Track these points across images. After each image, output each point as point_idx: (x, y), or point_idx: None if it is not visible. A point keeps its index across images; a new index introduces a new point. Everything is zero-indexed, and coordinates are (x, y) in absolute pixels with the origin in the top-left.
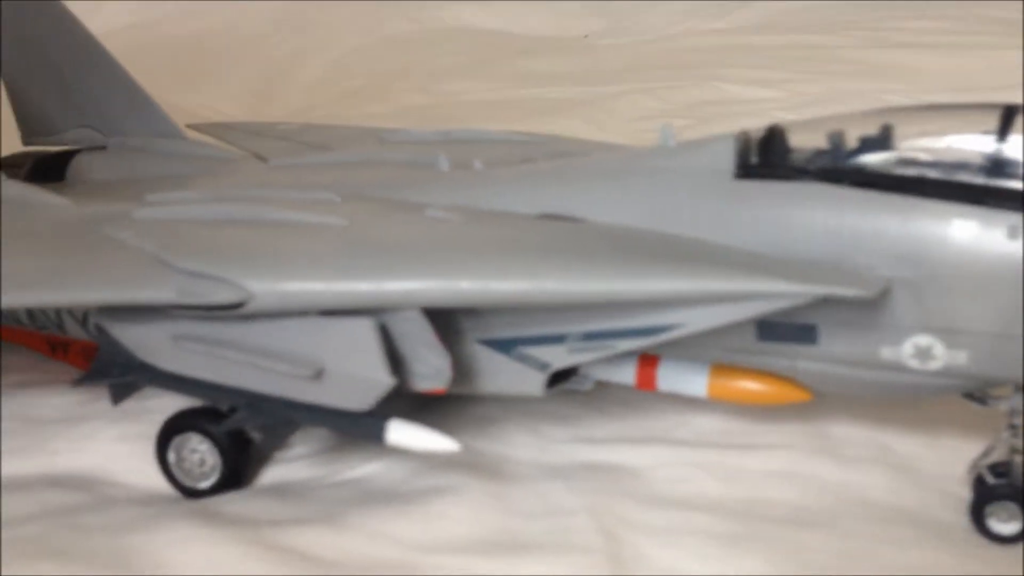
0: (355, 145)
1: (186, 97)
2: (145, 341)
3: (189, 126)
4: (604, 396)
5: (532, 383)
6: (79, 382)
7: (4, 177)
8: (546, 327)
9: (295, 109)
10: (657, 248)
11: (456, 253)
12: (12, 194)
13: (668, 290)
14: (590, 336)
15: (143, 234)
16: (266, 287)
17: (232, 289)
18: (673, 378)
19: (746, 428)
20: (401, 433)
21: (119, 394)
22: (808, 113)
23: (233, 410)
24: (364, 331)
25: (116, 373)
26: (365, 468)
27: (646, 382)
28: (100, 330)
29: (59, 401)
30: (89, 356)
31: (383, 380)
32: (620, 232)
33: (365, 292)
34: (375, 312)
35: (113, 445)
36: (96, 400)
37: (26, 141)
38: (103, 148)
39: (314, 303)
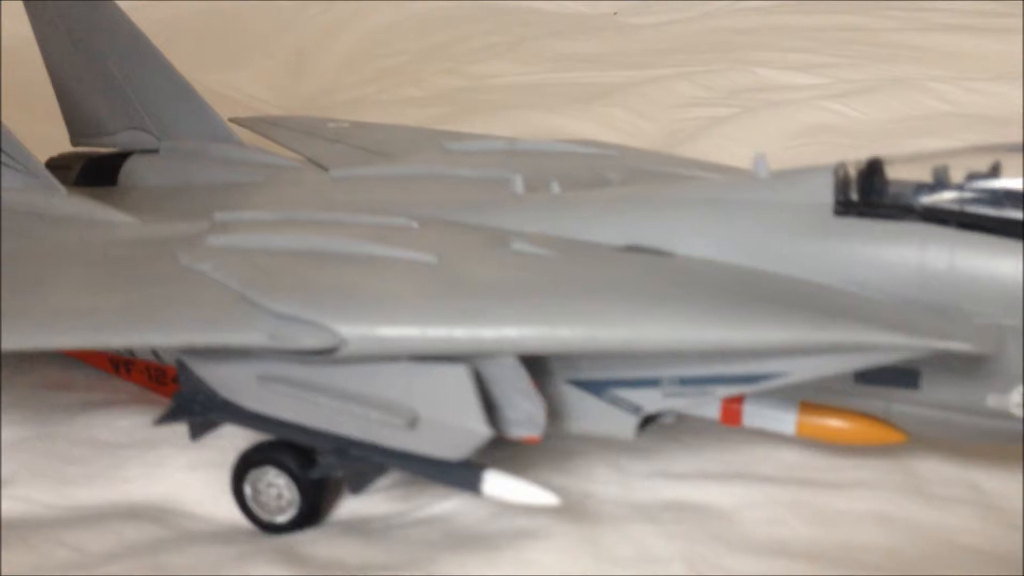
0: (415, 152)
1: (213, 77)
2: (229, 380)
3: (232, 120)
4: (680, 426)
5: (623, 426)
6: (162, 421)
7: (65, 190)
8: (640, 370)
9: (326, 89)
10: (759, 290)
11: (553, 297)
12: (76, 210)
13: (778, 340)
14: (687, 381)
15: (224, 267)
16: (359, 332)
17: (325, 334)
18: (760, 415)
19: (829, 463)
20: (498, 485)
21: (198, 430)
22: (856, 103)
23: (313, 448)
24: (459, 379)
25: (198, 410)
26: (444, 504)
27: (731, 418)
28: (181, 366)
29: (125, 423)
30: (152, 376)
31: (480, 431)
32: (716, 270)
33: (462, 339)
34: (469, 358)
35: (185, 474)
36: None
37: (74, 141)
38: (155, 151)
39: (408, 349)
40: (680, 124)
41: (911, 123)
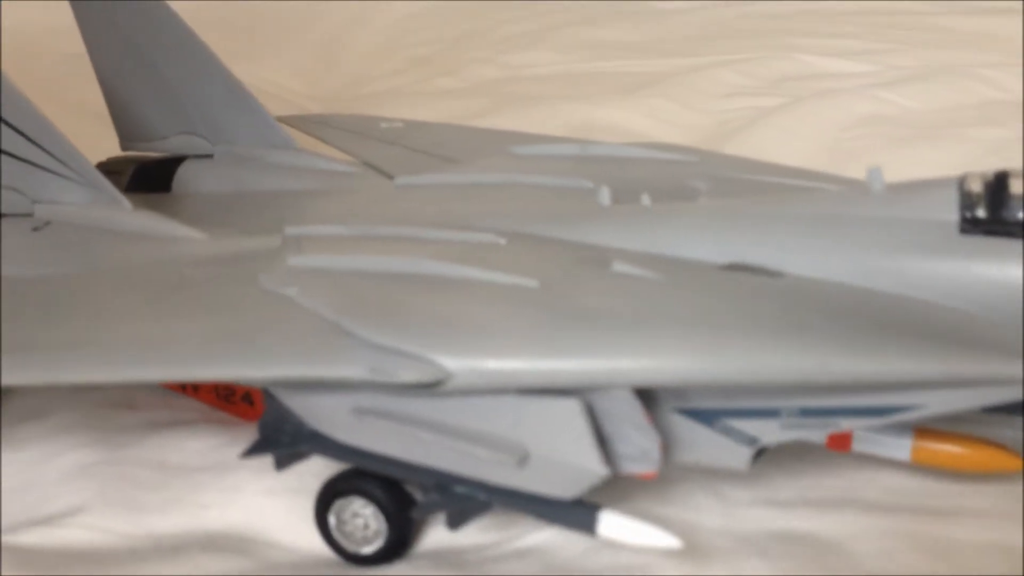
0: (479, 156)
1: (242, 68)
2: (320, 411)
3: (278, 119)
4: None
5: (736, 457)
6: (249, 453)
7: (131, 204)
8: (757, 401)
9: (358, 79)
10: (886, 314)
11: (667, 325)
12: (142, 225)
13: (917, 373)
14: (809, 412)
15: (312, 292)
16: (466, 366)
17: (429, 368)
18: (872, 440)
19: (939, 489)
20: (615, 526)
21: (284, 460)
22: (907, 91)
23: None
24: (571, 413)
25: (285, 441)
26: (540, 535)
27: (839, 443)
28: (267, 395)
29: (196, 445)
30: (220, 394)
31: (595, 470)
32: (834, 292)
33: (575, 372)
34: (581, 391)
35: (263, 499)
36: (233, 444)
37: (124, 146)
38: (209, 157)
39: (517, 383)
40: (727, 115)
41: (966, 112)
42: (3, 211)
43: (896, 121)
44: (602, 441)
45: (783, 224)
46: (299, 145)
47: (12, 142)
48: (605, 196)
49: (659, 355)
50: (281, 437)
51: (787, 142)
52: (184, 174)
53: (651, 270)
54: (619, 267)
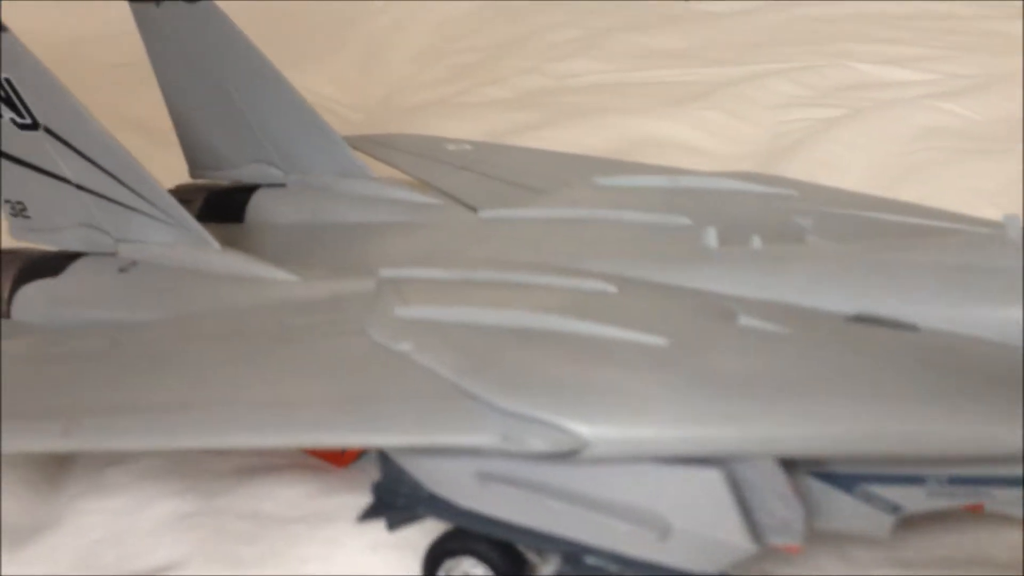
0: (559, 184)
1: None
2: (440, 475)
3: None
4: None
5: (876, 525)
6: (365, 517)
7: (220, 245)
8: (903, 468)
9: (400, 88)
10: None
11: (810, 389)
12: (231, 267)
13: None
14: (959, 480)
15: (427, 348)
16: (604, 434)
17: (564, 436)
18: (1010, 498)
19: None
20: None
21: (397, 521)
22: (968, 102)
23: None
24: (715, 484)
25: (401, 504)
26: None
27: (975, 504)
28: (383, 457)
29: (289, 493)
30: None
31: (741, 544)
32: (977, 349)
33: (719, 440)
34: (724, 460)
35: (366, 556)
36: (327, 494)
37: (194, 174)
38: (281, 186)
39: (655, 451)
40: (783, 127)
41: None
42: (86, 250)
43: (958, 133)
44: (744, 512)
45: (915, 272)
46: (374, 173)
47: (95, 180)
48: (711, 237)
49: (809, 423)
50: (396, 499)
51: (847, 157)
52: (257, 204)
53: (778, 323)
54: (746, 321)
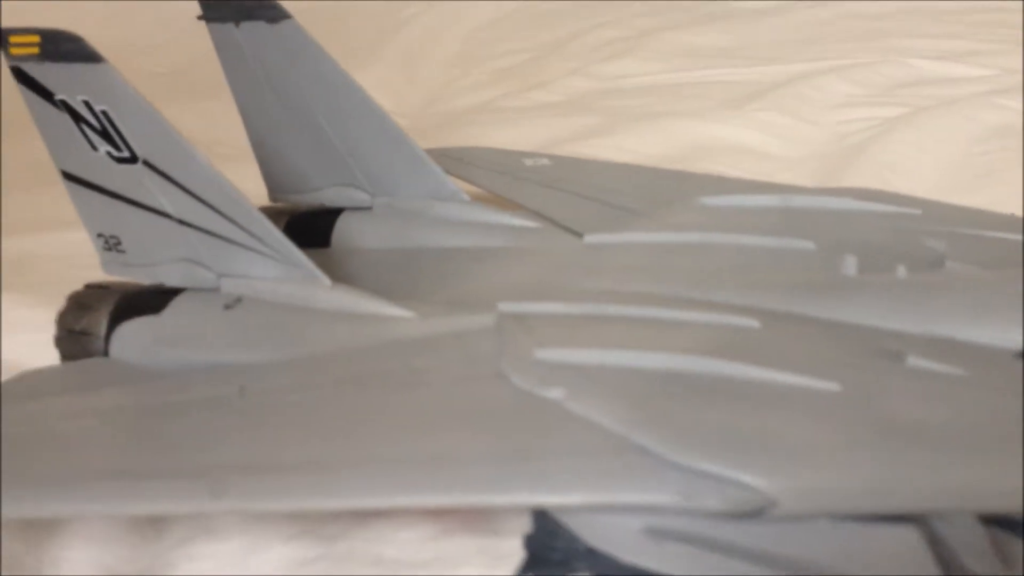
0: (652, 200)
1: None
2: (603, 530)
3: None
4: None
5: None
6: (522, 574)
7: (329, 280)
8: None
9: (442, 94)
10: None
11: (1004, 438)
12: (342, 303)
13: None
14: None
15: (581, 396)
16: (789, 490)
17: (750, 494)
18: None
19: None
20: None
21: None
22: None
23: None
24: (912, 543)
25: (557, 559)
26: None
27: None
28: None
29: (409, 536)
30: None
31: None
32: None
33: (918, 494)
34: (920, 517)
35: None
36: (447, 536)
37: (273, 197)
38: (368, 209)
39: (847, 508)
40: (846, 127)
41: None
42: (186, 285)
43: None
44: (946, 573)
45: None
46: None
47: (197, 214)
48: (850, 265)
49: (1010, 476)
50: (551, 554)
51: (916, 158)
52: (343, 228)
53: (948, 363)
54: (915, 361)
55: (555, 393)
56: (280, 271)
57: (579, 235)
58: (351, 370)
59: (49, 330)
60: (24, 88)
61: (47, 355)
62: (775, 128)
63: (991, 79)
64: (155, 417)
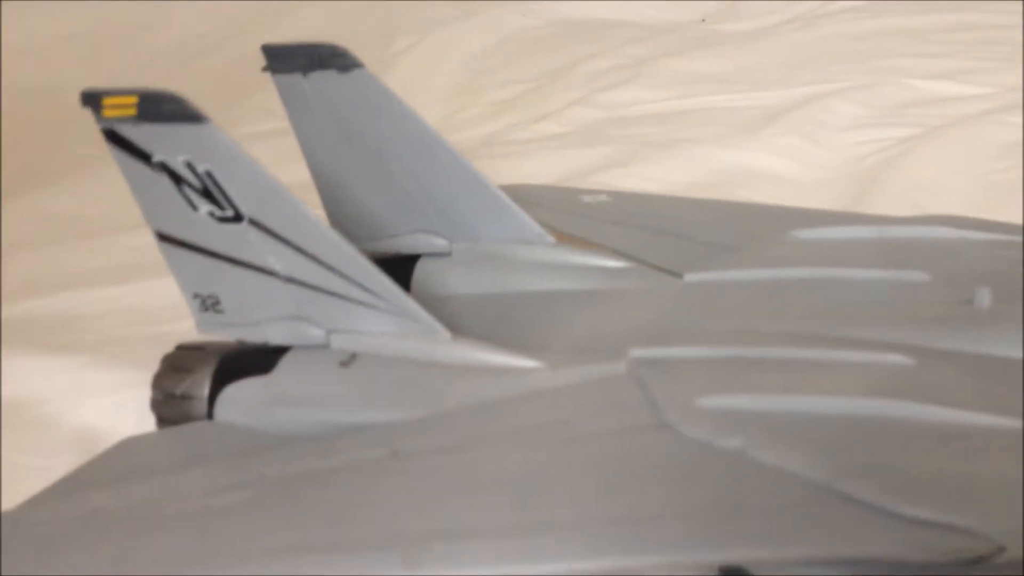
0: (733, 234)
1: None
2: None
3: None
4: None
5: None
6: None
7: (448, 332)
8: None
9: (445, 127)
10: None
11: None
12: (467, 357)
13: None
14: None
15: (767, 445)
16: (1015, 532)
17: (978, 542)
18: None
19: None
20: None
21: None
22: None
23: None
24: None
25: None
26: None
27: None
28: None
29: None
30: None
31: None
32: None
33: None
34: None
35: None
36: None
37: None
38: (446, 255)
39: None
40: (861, 150)
41: None
42: (291, 343)
43: None
44: None
45: None
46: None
47: (308, 271)
48: (984, 297)
49: None
50: None
51: (941, 179)
52: (423, 275)
53: None
54: None
55: (734, 442)
56: (396, 325)
57: (676, 274)
58: (497, 427)
59: (124, 392)
60: (117, 150)
61: (128, 419)
62: (794, 152)
63: (991, 97)
64: (308, 485)
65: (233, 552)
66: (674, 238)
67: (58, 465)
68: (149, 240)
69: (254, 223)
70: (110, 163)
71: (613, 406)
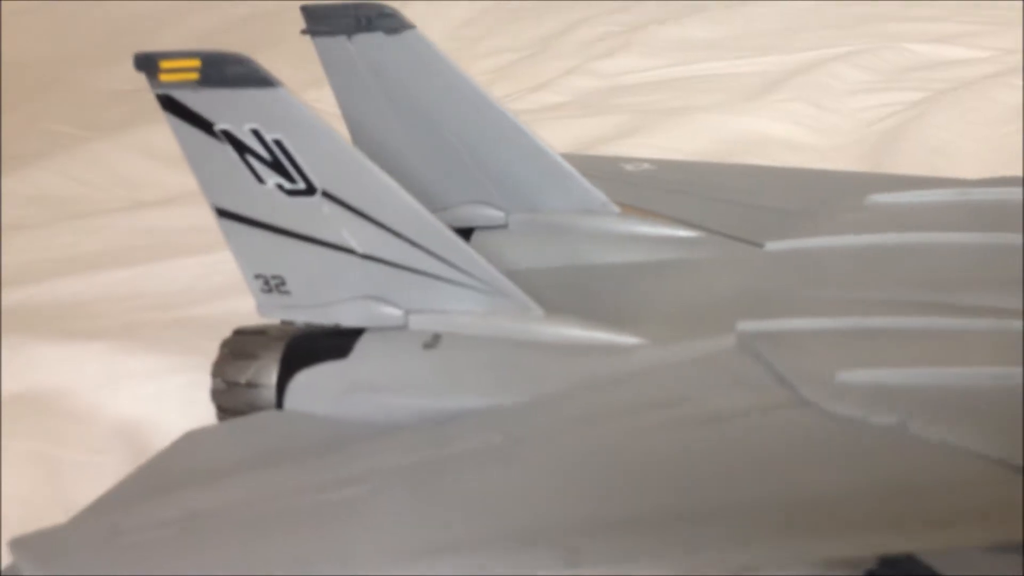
0: (801, 199)
1: (311, 95)
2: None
3: None
4: None
5: None
6: None
7: (538, 306)
8: None
9: None
10: None
11: None
12: (563, 336)
13: None
14: None
15: (927, 419)
16: None
17: None
18: None
19: None
20: None
21: None
22: None
23: None
24: None
25: None
26: None
27: None
28: None
29: None
30: None
31: None
32: None
33: None
34: None
35: None
36: None
37: None
38: (502, 227)
39: None
40: (870, 114)
41: None
42: (366, 324)
43: None
44: None
45: None
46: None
47: (388, 247)
48: None
49: None
50: None
51: (955, 143)
52: (478, 249)
53: None
54: None
55: (891, 418)
56: (482, 302)
57: (755, 243)
58: (616, 406)
59: (160, 380)
60: (174, 118)
61: (170, 408)
62: (804, 118)
63: (992, 60)
64: (431, 477)
65: (375, 551)
66: (737, 206)
67: (106, 461)
68: (147, 221)
69: (328, 196)
70: (87, 141)
71: (736, 383)
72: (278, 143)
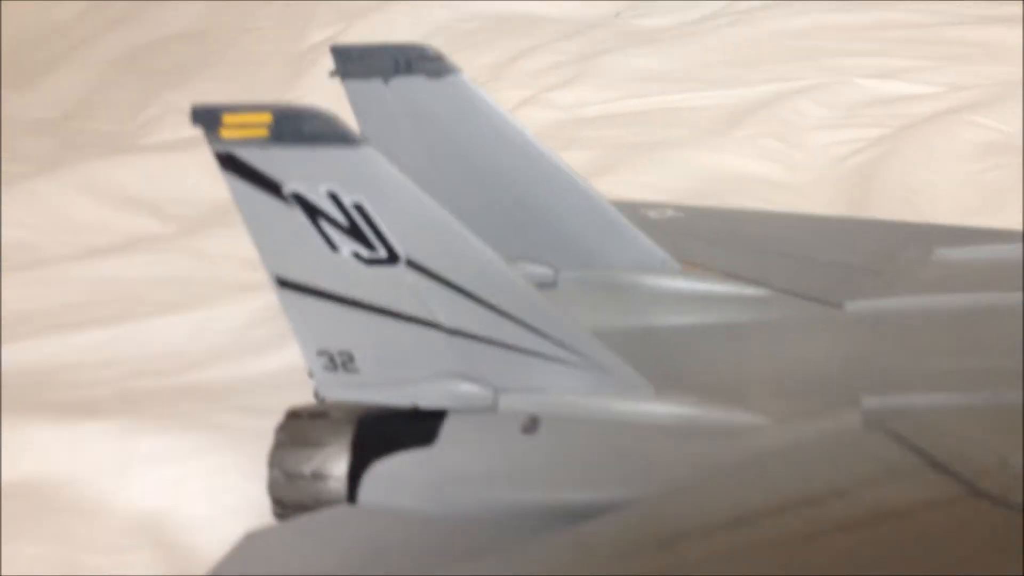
0: (863, 252)
1: None
2: None
3: None
4: None
5: None
6: None
7: (648, 383)
8: None
9: None
10: None
11: None
12: (680, 416)
13: None
14: None
15: None
16: None
17: None
18: None
19: None
20: None
21: None
22: (996, 114)
23: None
24: None
25: None
26: None
27: None
28: None
29: None
30: None
31: None
32: None
33: None
34: None
35: None
36: None
37: None
38: (551, 285)
39: None
40: (838, 151)
41: None
42: (448, 405)
43: (1011, 150)
44: None
45: None
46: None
47: (478, 320)
48: None
49: None
50: None
51: (927, 180)
52: None
53: None
54: None
55: None
56: (583, 379)
57: (832, 304)
58: (763, 501)
59: (175, 464)
60: (234, 178)
61: (194, 498)
62: (774, 154)
63: (943, 96)
64: None
65: None
66: (792, 259)
67: (132, 562)
68: (106, 272)
69: (413, 265)
70: (24, 179)
71: (884, 471)
72: (358, 207)
